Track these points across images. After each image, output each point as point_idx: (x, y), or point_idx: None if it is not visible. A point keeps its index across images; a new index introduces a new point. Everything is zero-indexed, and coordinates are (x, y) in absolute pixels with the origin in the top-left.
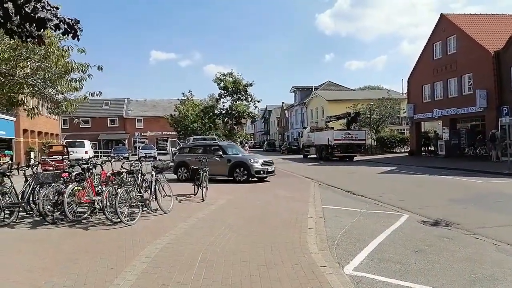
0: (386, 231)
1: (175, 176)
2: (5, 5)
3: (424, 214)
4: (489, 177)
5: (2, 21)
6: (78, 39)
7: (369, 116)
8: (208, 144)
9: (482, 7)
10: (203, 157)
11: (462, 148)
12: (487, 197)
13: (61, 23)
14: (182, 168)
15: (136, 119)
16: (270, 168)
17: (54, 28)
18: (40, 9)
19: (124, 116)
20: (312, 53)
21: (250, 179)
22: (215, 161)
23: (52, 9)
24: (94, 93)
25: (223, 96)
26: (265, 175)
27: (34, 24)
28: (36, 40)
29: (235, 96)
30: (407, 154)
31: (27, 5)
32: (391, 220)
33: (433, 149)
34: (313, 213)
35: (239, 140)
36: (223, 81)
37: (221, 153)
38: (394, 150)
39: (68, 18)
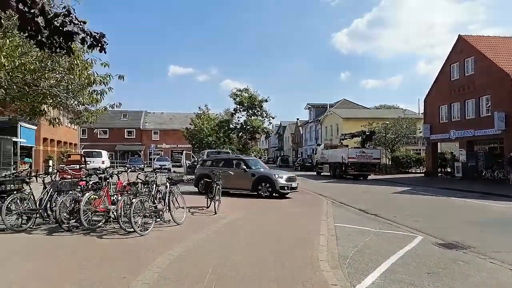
0: (399, 252)
1: (193, 188)
2: (36, 19)
3: (438, 236)
4: (507, 201)
5: (34, 33)
6: (105, 52)
7: (384, 135)
8: (231, 157)
9: (500, 29)
10: (217, 171)
11: (479, 170)
12: (504, 221)
13: (88, 37)
14: (204, 180)
15: (153, 131)
16: (294, 184)
17: (81, 41)
18: (68, 23)
19: (141, 128)
20: (327, 71)
21: (273, 194)
22: (238, 175)
23: (79, 23)
24: (114, 104)
25: (238, 111)
26: (288, 191)
27: (62, 37)
28: (65, 51)
29: (250, 112)
30: (422, 174)
31: (56, 19)
32: (405, 241)
33: (449, 170)
34: (325, 231)
35: (253, 155)
36: (239, 96)
37: (245, 167)
38: (410, 170)
39: (95, 32)
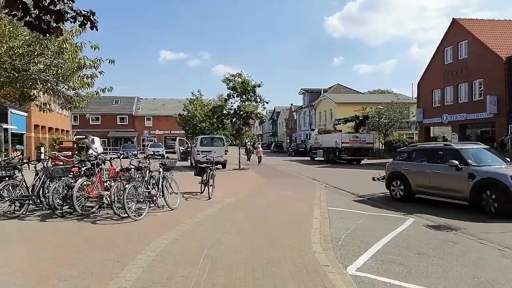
0: (390, 233)
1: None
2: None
3: (429, 218)
4: None
5: (22, 14)
6: (97, 29)
7: (377, 119)
8: (437, 147)
9: (493, 13)
10: (414, 167)
11: None
12: None
13: (78, 16)
14: (397, 181)
15: (145, 117)
16: None
17: (72, 20)
18: (57, 2)
19: (133, 114)
20: (321, 56)
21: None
22: (445, 173)
23: (68, 2)
24: (105, 88)
25: (231, 97)
26: None
27: (52, 17)
28: (54, 32)
29: (243, 97)
30: None
31: None
32: (396, 223)
33: None
34: (318, 214)
35: (247, 141)
36: (231, 81)
37: (457, 162)
38: None
39: (84, 10)
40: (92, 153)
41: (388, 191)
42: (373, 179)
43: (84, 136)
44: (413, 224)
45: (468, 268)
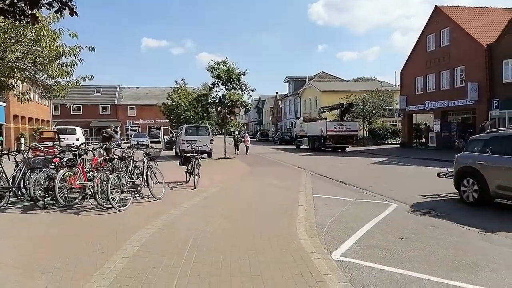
0: (374, 219)
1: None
2: None
3: (412, 203)
4: None
5: None
6: (77, 15)
7: (362, 107)
8: None
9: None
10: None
11: (452, 140)
12: None
13: (55, 1)
14: (470, 180)
15: (129, 106)
16: None
17: (48, 6)
18: None
19: (116, 103)
20: (305, 43)
21: None
22: None
23: None
24: (86, 77)
25: (216, 85)
26: None
27: (27, 3)
28: (29, 19)
29: (228, 85)
30: (398, 145)
31: None
32: (380, 209)
33: (424, 141)
34: (304, 202)
35: (233, 130)
36: (216, 69)
37: None
38: (386, 142)
39: None
40: (115, 142)
41: (458, 192)
42: (439, 175)
43: (107, 126)
44: (397, 210)
45: (449, 251)
